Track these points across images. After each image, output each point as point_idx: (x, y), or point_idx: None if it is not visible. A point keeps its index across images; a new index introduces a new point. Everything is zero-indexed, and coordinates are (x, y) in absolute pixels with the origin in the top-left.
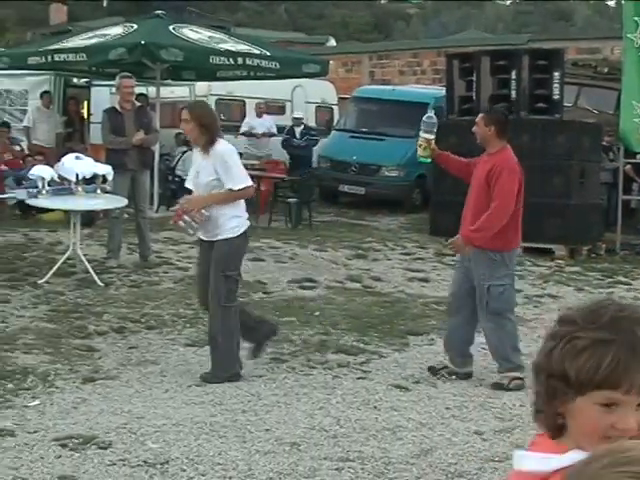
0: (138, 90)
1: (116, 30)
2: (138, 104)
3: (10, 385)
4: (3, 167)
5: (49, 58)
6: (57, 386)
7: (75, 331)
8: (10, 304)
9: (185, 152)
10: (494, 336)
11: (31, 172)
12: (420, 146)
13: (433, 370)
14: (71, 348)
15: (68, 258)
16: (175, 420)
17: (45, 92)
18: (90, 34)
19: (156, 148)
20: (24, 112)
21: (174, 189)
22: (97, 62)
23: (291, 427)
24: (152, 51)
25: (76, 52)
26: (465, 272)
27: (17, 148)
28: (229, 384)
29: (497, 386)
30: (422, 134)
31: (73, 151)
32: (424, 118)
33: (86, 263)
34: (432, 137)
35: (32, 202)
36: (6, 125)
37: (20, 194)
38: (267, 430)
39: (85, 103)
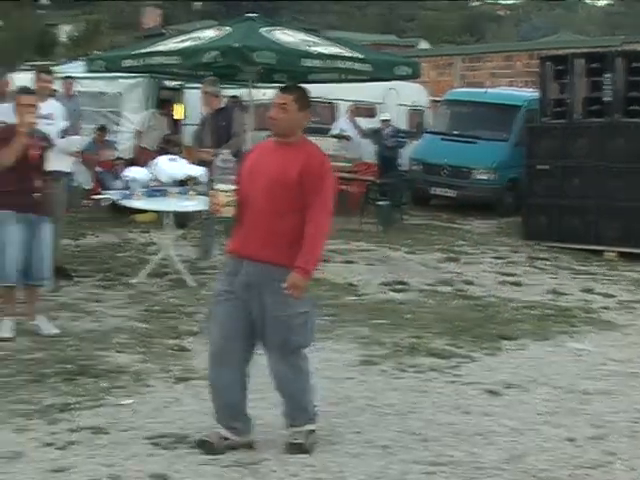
0: (232, 92)
1: (209, 33)
2: (220, 106)
3: (104, 384)
4: (98, 168)
5: (143, 61)
6: (150, 385)
7: (168, 331)
8: (104, 303)
9: None
10: (293, 384)
11: (125, 173)
12: (220, 203)
13: (210, 448)
14: (164, 348)
15: (161, 259)
16: (264, 420)
17: (165, 100)
18: (184, 37)
19: (244, 150)
20: (118, 114)
21: None
22: (191, 65)
23: (382, 430)
24: (245, 54)
25: (170, 55)
26: (237, 305)
27: (114, 152)
28: (320, 386)
29: (295, 448)
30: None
31: (167, 153)
32: (219, 162)
33: (179, 264)
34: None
35: (126, 203)
36: (103, 127)
37: (114, 195)
38: (358, 432)
39: (179, 106)
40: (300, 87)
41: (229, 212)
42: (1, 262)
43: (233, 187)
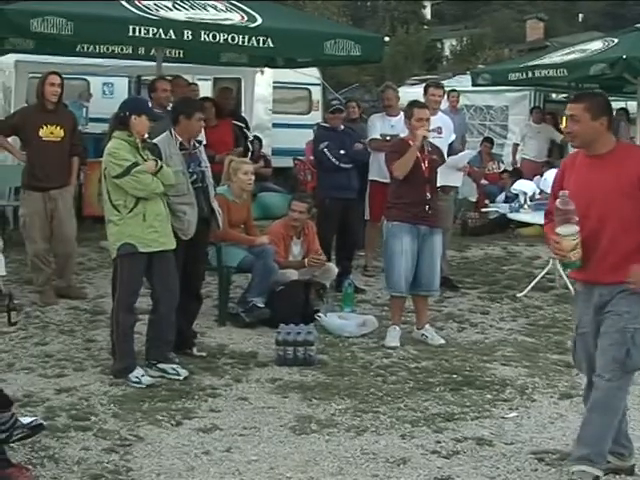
0: (619, 105)
1: (596, 45)
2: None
3: (489, 395)
4: (484, 181)
5: (529, 74)
6: (534, 399)
7: (553, 346)
8: (489, 316)
9: None
10: (616, 404)
11: (513, 187)
12: (566, 249)
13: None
14: (549, 363)
15: (547, 273)
16: None
17: (535, 107)
18: (569, 49)
19: None
20: (504, 127)
21: None
22: (577, 77)
23: None
24: (634, 65)
25: (556, 68)
26: (593, 336)
27: (500, 165)
28: None
29: None
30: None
31: (554, 166)
32: (559, 204)
33: (565, 278)
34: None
35: (513, 216)
36: (489, 140)
37: (502, 208)
38: None
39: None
40: (591, 94)
41: (577, 255)
42: (391, 272)
43: (576, 229)
